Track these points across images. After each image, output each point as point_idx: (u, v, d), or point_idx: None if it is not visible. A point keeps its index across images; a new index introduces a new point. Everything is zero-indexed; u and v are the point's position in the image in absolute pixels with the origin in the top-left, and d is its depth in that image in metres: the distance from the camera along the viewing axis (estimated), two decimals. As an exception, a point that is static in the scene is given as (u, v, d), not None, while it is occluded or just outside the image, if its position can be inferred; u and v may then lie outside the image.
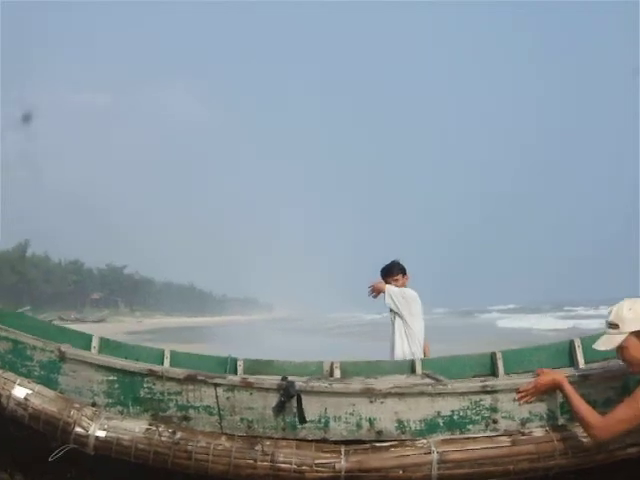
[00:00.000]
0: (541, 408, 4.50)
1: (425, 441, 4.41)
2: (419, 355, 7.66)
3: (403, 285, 7.86)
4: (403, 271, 7.86)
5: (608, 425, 4.18)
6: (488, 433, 4.46)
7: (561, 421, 4.49)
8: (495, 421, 4.47)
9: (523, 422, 4.48)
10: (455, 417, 4.46)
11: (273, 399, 4.48)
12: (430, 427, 4.45)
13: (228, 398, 4.52)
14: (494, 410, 4.47)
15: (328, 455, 4.37)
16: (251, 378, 4.63)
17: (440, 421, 4.46)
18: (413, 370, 6.47)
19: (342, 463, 4.33)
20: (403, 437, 4.45)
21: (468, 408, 4.46)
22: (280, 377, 4.67)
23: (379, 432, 4.45)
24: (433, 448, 4.35)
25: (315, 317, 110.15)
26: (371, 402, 4.46)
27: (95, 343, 5.89)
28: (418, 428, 4.46)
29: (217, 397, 4.52)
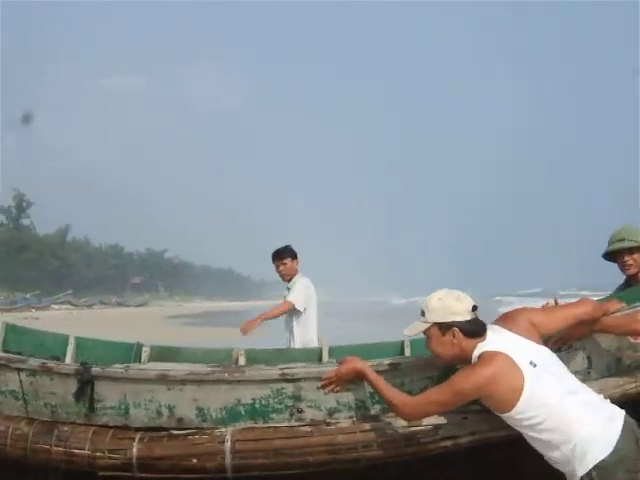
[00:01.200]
0: (349, 398, 4.33)
1: (223, 430, 4.30)
2: (315, 342, 7.64)
3: (292, 269, 7.99)
4: (293, 255, 8.06)
5: (419, 405, 4.01)
6: (293, 423, 4.33)
7: (372, 412, 4.33)
8: (300, 410, 4.33)
9: (330, 412, 4.33)
10: (257, 405, 4.33)
11: (74, 385, 4.41)
12: (231, 415, 4.34)
13: (31, 383, 4.48)
14: (298, 399, 4.32)
15: (121, 442, 4.29)
16: (51, 363, 4.57)
17: (242, 409, 4.34)
18: (320, 358, 6.43)
19: (134, 450, 4.25)
20: (204, 425, 4.35)
21: (270, 396, 4.32)
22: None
23: (179, 420, 4.36)
24: (228, 437, 4.24)
25: (349, 301, 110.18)
26: (169, 389, 4.36)
27: None
28: (219, 416, 4.34)
29: (21, 382, 4.49)
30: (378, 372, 4.25)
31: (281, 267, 8.24)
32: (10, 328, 6.06)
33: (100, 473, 4.28)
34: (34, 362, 4.56)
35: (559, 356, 4.21)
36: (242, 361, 6.34)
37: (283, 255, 8.24)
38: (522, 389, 3.80)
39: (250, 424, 4.33)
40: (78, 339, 6.30)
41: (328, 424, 4.30)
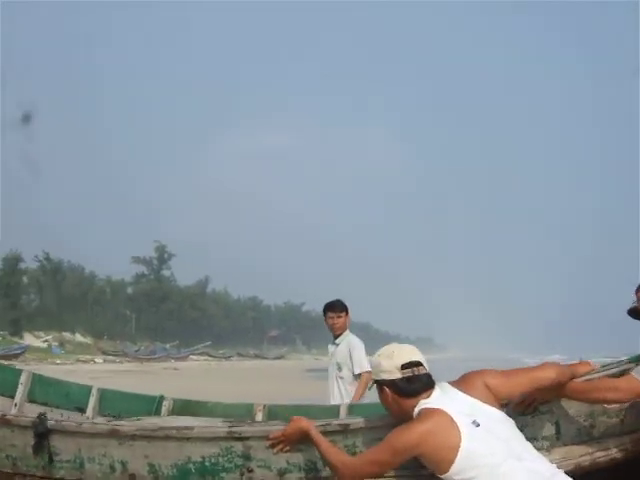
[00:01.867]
0: (300, 458, 4.23)
1: (173, 488, 4.26)
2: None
3: (345, 323, 7.91)
4: (347, 310, 7.94)
5: (357, 465, 3.90)
6: None
7: (323, 473, 4.21)
8: (250, 470, 4.25)
9: (281, 473, 4.23)
10: (207, 464, 4.28)
11: (32, 437, 4.48)
12: (182, 473, 4.30)
13: None
14: (247, 458, 4.25)
15: (72, 498, 4.32)
16: (10, 415, 4.65)
17: (192, 467, 4.29)
18: (338, 414, 6.36)
19: (82, 507, 4.27)
20: None
21: (219, 455, 4.27)
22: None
23: (132, 476, 4.36)
24: (173, 497, 4.21)
25: (489, 359, 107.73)
26: (120, 444, 4.37)
27: (24, 379, 6.10)
28: (171, 474, 4.32)
29: None
30: (328, 432, 4.14)
31: (336, 320, 8.15)
32: (37, 379, 6.26)
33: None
34: None
35: (524, 420, 4.06)
36: (259, 417, 6.31)
37: (341, 308, 8.18)
38: (459, 448, 3.66)
39: None
40: (101, 391, 6.43)
41: (274, 487, 4.21)
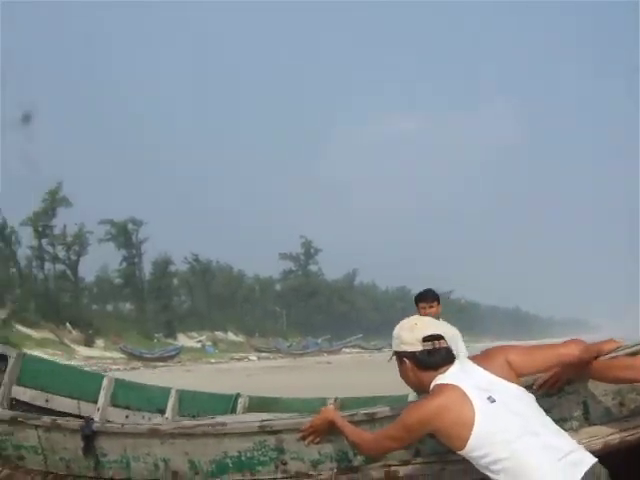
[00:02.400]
0: (331, 449, 4.28)
1: (214, 483, 4.39)
2: None
3: (437, 313, 7.82)
4: (438, 299, 7.83)
5: (377, 441, 3.94)
6: (279, 475, 4.35)
7: (355, 462, 4.26)
8: (284, 462, 4.34)
9: (314, 464, 4.30)
10: (243, 458, 4.39)
11: (80, 440, 4.70)
12: (221, 468, 4.43)
13: (47, 439, 4.81)
14: (281, 451, 4.33)
15: (118, 496, 4.50)
16: (61, 419, 4.87)
17: (229, 462, 4.41)
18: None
19: (128, 503, 4.45)
20: (197, 478, 4.46)
21: (254, 449, 4.37)
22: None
23: (174, 473, 4.51)
24: (209, 491, 4.33)
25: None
26: (161, 443, 4.52)
27: (106, 384, 6.40)
28: (210, 469, 4.45)
29: (39, 437, 4.82)
30: (355, 422, 4.17)
31: (428, 310, 8.09)
32: (119, 384, 6.52)
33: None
34: (47, 419, 4.89)
35: (551, 402, 3.99)
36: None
37: (433, 298, 8.12)
38: (472, 424, 3.62)
39: (238, 476, 4.39)
40: (180, 392, 6.64)
41: (310, 476, 4.27)
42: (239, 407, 6.63)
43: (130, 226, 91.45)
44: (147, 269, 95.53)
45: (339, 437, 4.22)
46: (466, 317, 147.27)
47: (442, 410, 3.68)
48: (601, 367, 3.92)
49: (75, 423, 4.78)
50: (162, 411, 6.47)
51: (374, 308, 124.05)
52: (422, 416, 3.73)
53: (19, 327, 66.10)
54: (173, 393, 6.53)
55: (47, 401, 6.33)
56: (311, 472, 4.28)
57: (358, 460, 4.23)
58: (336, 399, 6.49)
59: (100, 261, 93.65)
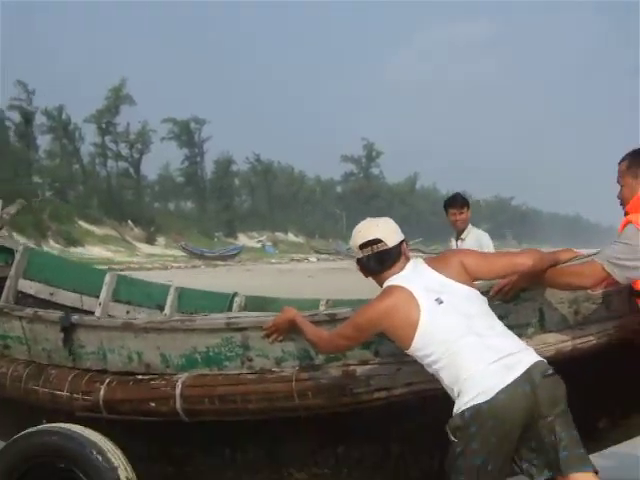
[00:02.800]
0: (293, 347, 4.39)
1: (180, 376, 4.54)
2: None
3: (467, 219, 7.79)
4: (468, 204, 7.91)
5: (331, 339, 4.05)
6: (245, 370, 4.47)
7: (316, 361, 4.36)
8: (250, 359, 4.46)
9: (277, 361, 4.41)
10: (211, 353, 4.52)
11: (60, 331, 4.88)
12: (189, 362, 4.56)
13: (30, 329, 5.00)
14: (246, 348, 4.45)
15: (93, 385, 4.68)
16: (42, 311, 5.04)
17: (198, 357, 4.55)
18: None
19: (101, 393, 4.63)
20: (168, 371, 4.62)
21: (221, 345, 4.49)
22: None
23: (147, 365, 4.66)
24: (179, 383, 4.48)
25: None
26: (135, 337, 4.67)
27: (108, 279, 6.59)
28: (179, 363, 4.59)
29: (23, 328, 5.02)
30: (316, 322, 4.26)
31: (458, 216, 8.03)
32: (121, 279, 6.71)
33: (77, 413, 4.71)
34: (29, 311, 5.07)
35: (507, 308, 4.09)
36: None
37: (463, 203, 8.06)
38: (417, 324, 3.73)
39: (206, 371, 4.53)
40: (179, 289, 6.80)
41: (272, 373, 4.39)
42: (235, 306, 6.76)
43: (193, 125, 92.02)
44: (209, 168, 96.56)
45: (301, 336, 4.32)
46: (527, 224, 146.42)
47: (390, 310, 3.79)
48: (553, 274, 3.95)
49: (55, 315, 4.94)
50: (161, 307, 6.63)
51: (434, 212, 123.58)
52: (371, 316, 3.84)
53: (81, 223, 67.53)
54: (172, 290, 6.68)
55: (51, 294, 6.53)
56: (274, 369, 4.39)
57: (319, 359, 4.33)
58: (328, 301, 6.59)
59: (162, 159, 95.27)
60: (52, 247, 61.99)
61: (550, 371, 3.69)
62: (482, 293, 3.94)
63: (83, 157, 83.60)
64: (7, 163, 68.33)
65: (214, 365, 4.51)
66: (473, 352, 3.66)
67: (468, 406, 3.57)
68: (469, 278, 3.89)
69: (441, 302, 3.75)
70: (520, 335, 3.94)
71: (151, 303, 6.66)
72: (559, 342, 4.01)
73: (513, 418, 3.56)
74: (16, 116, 75.61)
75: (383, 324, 3.82)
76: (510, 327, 3.92)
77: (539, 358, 3.72)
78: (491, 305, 3.95)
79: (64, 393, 4.72)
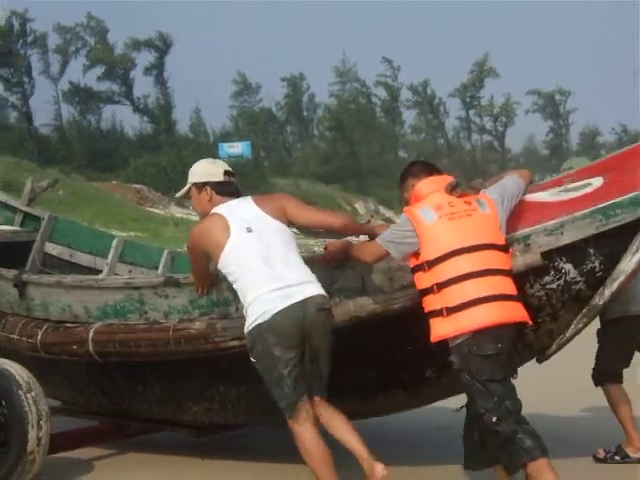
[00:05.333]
0: (177, 303, 5.29)
1: (95, 324, 5.55)
2: None
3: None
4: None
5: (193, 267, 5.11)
6: (142, 321, 5.42)
7: (194, 314, 5.25)
8: (145, 312, 5.40)
9: (166, 314, 5.34)
10: (117, 307, 5.50)
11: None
12: (103, 313, 5.54)
13: None
14: (142, 303, 5.41)
15: (35, 330, 5.74)
16: (3, 270, 6.13)
17: (109, 309, 5.54)
18: None
19: (39, 337, 5.71)
20: (90, 320, 5.63)
21: (124, 300, 5.46)
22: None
23: (75, 316, 5.69)
24: (91, 330, 5.50)
25: None
26: (66, 292, 5.72)
27: (115, 244, 7.79)
28: (97, 314, 5.58)
29: None
30: None
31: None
32: (128, 244, 7.88)
33: (26, 353, 5.81)
34: None
35: (333, 274, 4.88)
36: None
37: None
38: (224, 246, 4.63)
39: (115, 321, 5.52)
40: (172, 253, 7.88)
41: (159, 323, 5.34)
42: (161, 262, 7.85)
43: (557, 97, 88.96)
44: (574, 140, 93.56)
45: (186, 293, 5.22)
46: None
47: (204, 233, 4.78)
48: (354, 248, 4.73)
49: (10, 273, 6.04)
50: (157, 267, 7.71)
51: None
52: (192, 238, 4.87)
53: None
54: (165, 254, 7.75)
55: (71, 256, 7.74)
56: (162, 320, 5.32)
57: (195, 313, 5.23)
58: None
59: (527, 132, 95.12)
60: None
61: (326, 306, 4.55)
62: (309, 261, 4.74)
63: (447, 131, 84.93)
64: (374, 138, 73.22)
65: (120, 316, 5.49)
66: (259, 278, 4.53)
67: (254, 325, 4.50)
68: (285, 218, 4.75)
69: (250, 231, 4.63)
70: (343, 298, 4.77)
71: (150, 264, 7.73)
72: (373, 304, 4.73)
73: (288, 334, 4.43)
74: (382, 92, 79.77)
75: (200, 244, 4.78)
76: (336, 291, 4.74)
77: (320, 292, 4.56)
78: (320, 271, 4.76)
79: (15, 336, 5.82)
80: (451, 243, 4.29)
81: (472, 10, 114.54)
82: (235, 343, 4.97)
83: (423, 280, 4.34)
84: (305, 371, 4.52)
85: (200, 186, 4.94)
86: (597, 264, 4.69)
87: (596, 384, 5.88)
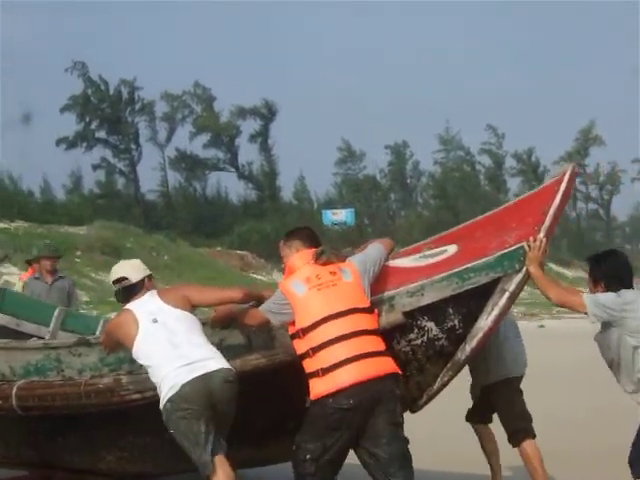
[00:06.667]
0: (89, 361, 5.90)
1: (19, 382, 6.10)
2: None
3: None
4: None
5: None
6: (59, 378, 6.00)
7: (103, 371, 5.85)
8: (62, 370, 6.00)
9: (79, 371, 5.93)
10: (39, 365, 6.09)
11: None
12: (27, 372, 6.12)
13: None
14: (59, 362, 6.01)
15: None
16: None
17: (31, 368, 6.13)
18: None
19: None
20: (15, 378, 6.19)
21: (44, 360, 6.06)
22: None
23: (3, 374, 6.26)
24: (15, 386, 6.06)
25: None
26: None
27: (57, 313, 8.47)
28: (21, 372, 6.15)
29: None
30: None
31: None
32: (68, 313, 8.69)
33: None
34: None
35: (223, 333, 5.58)
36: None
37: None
38: (135, 337, 5.31)
39: (36, 378, 6.10)
40: (105, 320, 8.55)
41: (74, 379, 5.92)
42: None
43: None
44: None
45: (96, 352, 5.83)
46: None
47: (116, 326, 5.50)
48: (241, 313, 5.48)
49: None
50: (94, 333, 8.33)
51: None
52: (108, 330, 5.65)
53: (551, 265, 63.75)
54: (102, 322, 8.44)
55: (17, 325, 8.37)
56: (76, 377, 5.91)
57: (104, 370, 5.82)
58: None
59: (633, 200, 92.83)
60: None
61: (231, 378, 5.16)
62: (204, 323, 5.46)
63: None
64: (478, 206, 71.28)
65: (41, 374, 6.07)
66: (167, 360, 5.18)
67: (166, 399, 5.11)
68: (188, 304, 5.42)
69: (156, 321, 5.30)
70: (232, 355, 5.37)
71: (89, 332, 8.35)
72: (257, 359, 5.36)
73: (196, 402, 5.05)
74: (486, 160, 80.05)
75: (115, 335, 5.48)
76: (228, 347, 5.38)
77: (225, 366, 5.18)
78: (212, 330, 5.44)
79: None
80: (320, 312, 4.94)
81: (578, 77, 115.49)
82: (138, 396, 5.53)
83: (300, 346, 5.00)
84: (216, 434, 5.13)
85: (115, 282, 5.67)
86: (457, 322, 5.33)
87: (514, 446, 6.41)
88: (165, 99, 67.03)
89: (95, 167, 64.81)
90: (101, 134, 64.52)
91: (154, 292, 5.53)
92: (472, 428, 6.61)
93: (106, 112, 63.37)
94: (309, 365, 4.89)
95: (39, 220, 42.84)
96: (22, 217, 42.87)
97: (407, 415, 5.33)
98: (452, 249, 5.45)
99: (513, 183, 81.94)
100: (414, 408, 5.61)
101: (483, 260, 5.24)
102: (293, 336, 5.01)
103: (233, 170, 68.76)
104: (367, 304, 5.04)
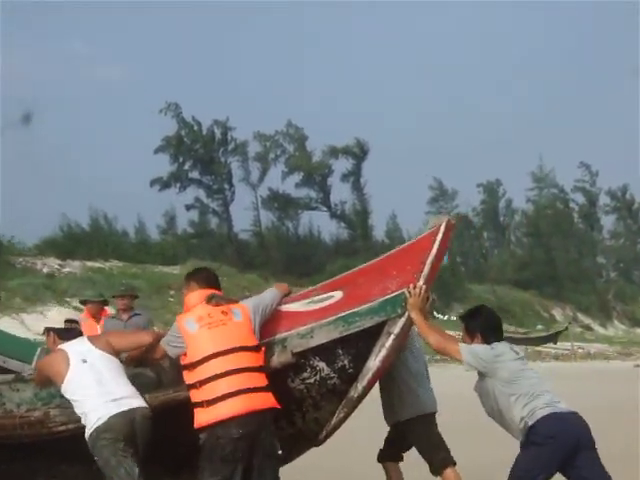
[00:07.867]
0: (27, 396, 6.36)
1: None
2: None
3: None
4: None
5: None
6: (0, 411, 6.51)
7: (37, 406, 6.27)
8: (4, 403, 6.46)
9: (17, 405, 6.40)
10: (-15, 400, 6.63)
11: None
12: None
13: None
14: (2, 396, 6.49)
15: None
16: None
17: (-21, 402, 6.66)
18: None
19: None
20: None
21: None
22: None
23: None
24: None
25: None
26: None
27: (38, 352, 8.61)
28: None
29: None
30: None
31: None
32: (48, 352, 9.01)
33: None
34: None
35: (135, 371, 6.11)
36: None
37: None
38: (65, 375, 5.85)
39: None
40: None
41: (13, 412, 6.43)
42: None
43: None
44: None
45: (31, 387, 6.34)
46: None
47: (49, 364, 6.06)
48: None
49: None
50: None
51: None
52: (39, 367, 6.27)
53: None
54: (38, 351, 8.79)
55: (4, 362, 8.96)
56: (15, 410, 6.39)
57: (38, 404, 6.32)
58: None
59: None
60: (616, 327, 63.89)
61: (148, 416, 5.67)
62: (122, 361, 6.00)
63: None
64: (572, 244, 73.36)
65: None
66: (94, 395, 5.70)
67: (93, 428, 5.62)
68: (111, 348, 5.98)
69: (85, 361, 5.86)
70: (144, 389, 5.85)
71: None
72: (163, 395, 5.82)
73: (120, 432, 5.53)
74: (580, 197, 78.85)
75: (45, 372, 6.04)
76: (140, 385, 5.89)
77: (144, 405, 5.69)
78: (127, 368, 5.98)
79: None
80: (208, 348, 5.42)
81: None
82: (63, 428, 6.04)
83: (189, 377, 5.50)
84: (135, 461, 5.61)
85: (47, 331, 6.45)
86: (347, 362, 5.74)
87: (436, 475, 6.73)
88: (258, 139, 66.81)
89: (188, 207, 65.04)
90: (194, 174, 64.57)
91: (84, 337, 6.20)
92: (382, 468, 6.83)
93: (199, 152, 63.95)
94: (195, 396, 5.37)
95: (133, 260, 43.81)
96: (117, 257, 43.83)
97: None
98: (338, 295, 5.83)
99: (607, 220, 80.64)
100: (317, 442, 6.03)
101: (367, 305, 5.68)
102: (184, 367, 5.49)
103: (325, 209, 67.78)
104: (254, 343, 5.50)
